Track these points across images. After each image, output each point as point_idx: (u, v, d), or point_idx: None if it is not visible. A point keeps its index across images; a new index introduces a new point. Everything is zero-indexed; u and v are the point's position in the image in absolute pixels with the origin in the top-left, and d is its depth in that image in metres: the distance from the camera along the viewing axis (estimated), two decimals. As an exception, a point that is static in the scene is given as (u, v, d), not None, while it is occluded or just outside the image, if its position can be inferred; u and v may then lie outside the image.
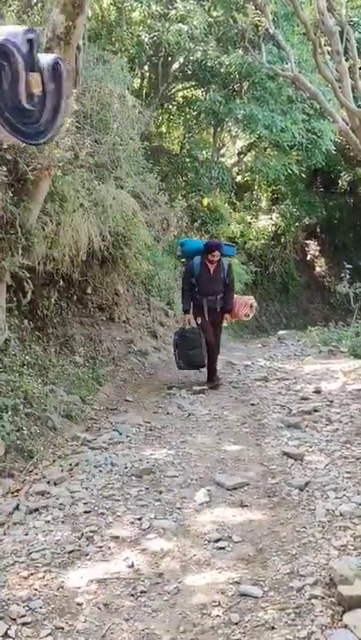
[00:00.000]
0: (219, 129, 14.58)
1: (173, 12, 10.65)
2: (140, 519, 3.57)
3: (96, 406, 5.92)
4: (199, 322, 7.13)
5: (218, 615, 2.63)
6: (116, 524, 3.54)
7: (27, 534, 3.45)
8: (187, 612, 2.68)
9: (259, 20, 10.32)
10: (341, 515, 3.39)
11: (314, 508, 3.54)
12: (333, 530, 3.24)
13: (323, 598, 2.62)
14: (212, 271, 6.99)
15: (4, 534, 3.45)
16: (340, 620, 2.47)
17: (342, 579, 2.61)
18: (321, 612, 2.53)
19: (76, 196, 5.88)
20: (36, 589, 2.90)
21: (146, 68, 12.61)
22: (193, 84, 13.82)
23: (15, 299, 5.53)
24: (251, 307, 7.56)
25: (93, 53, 8.08)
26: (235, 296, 7.44)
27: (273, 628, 2.49)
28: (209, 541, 3.28)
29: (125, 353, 7.60)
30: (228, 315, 7.31)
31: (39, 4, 7.91)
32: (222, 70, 12.55)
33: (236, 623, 2.56)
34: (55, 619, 2.69)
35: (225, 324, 7.54)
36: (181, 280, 7.67)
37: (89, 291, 7.17)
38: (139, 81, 12.46)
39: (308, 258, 19.86)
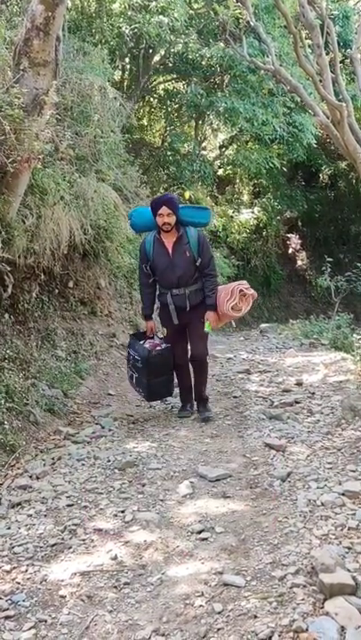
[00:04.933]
0: (200, 122, 14.56)
1: (154, 3, 10.56)
2: (123, 512, 3.58)
3: (78, 400, 5.90)
4: (165, 333, 5.20)
5: (201, 605, 2.65)
6: (99, 517, 3.54)
7: (9, 528, 3.44)
8: (170, 603, 2.70)
9: (240, 13, 10.32)
10: (323, 504, 3.42)
11: (296, 498, 3.57)
12: (315, 519, 3.27)
13: (304, 587, 2.65)
14: (170, 249, 4.80)
15: (-13, 529, 3.43)
16: (322, 608, 2.50)
17: (324, 567, 2.64)
18: (303, 600, 2.56)
19: (56, 189, 5.84)
20: (18, 583, 2.90)
21: (127, 60, 12.52)
22: (174, 76, 13.77)
23: (-5, 292, 5.48)
24: (243, 296, 4.95)
25: (73, 45, 8.01)
26: (219, 285, 5.15)
27: (256, 616, 2.51)
28: (192, 533, 3.30)
29: (108, 347, 7.57)
30: (210, 313, 4.98)
31: (18, -6, 7.80)
32: (203, 63, 12.53)
33: (219, 612, 2.58)
34: (38, 612, 2.69)
35: (206, 328, 5.00)
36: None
37: (70, 284, 7.12)
38: (119, 73, 12.36)
39: (290, 251, 19.94)
